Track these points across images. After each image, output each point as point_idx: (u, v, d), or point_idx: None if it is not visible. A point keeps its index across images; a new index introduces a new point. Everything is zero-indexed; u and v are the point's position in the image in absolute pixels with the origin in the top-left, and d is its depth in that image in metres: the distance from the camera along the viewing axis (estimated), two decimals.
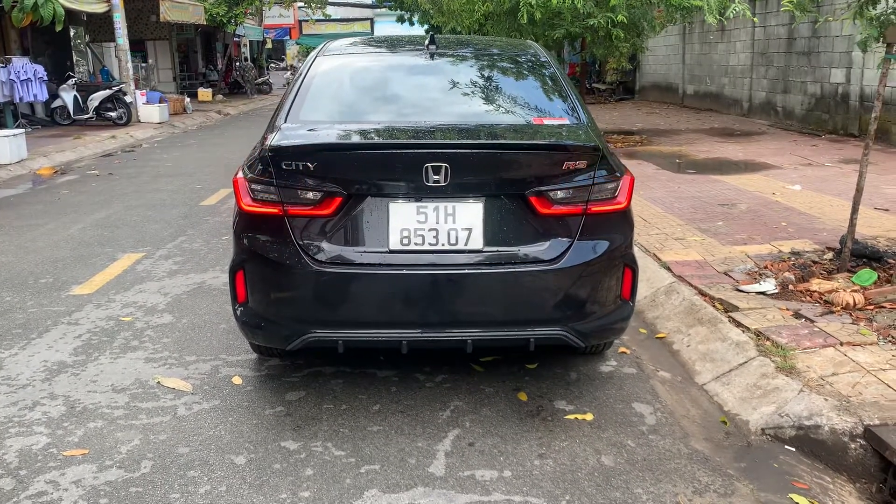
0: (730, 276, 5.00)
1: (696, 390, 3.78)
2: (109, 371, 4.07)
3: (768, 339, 3.94)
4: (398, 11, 26.04)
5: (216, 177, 10.46)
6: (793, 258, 5.27)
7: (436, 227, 3.27)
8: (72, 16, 16.10)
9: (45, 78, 16.05)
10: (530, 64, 4.23)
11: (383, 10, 34.74)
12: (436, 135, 3.45)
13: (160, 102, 19.09)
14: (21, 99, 15.49)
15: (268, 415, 3.54)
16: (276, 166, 3.28)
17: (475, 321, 3.36)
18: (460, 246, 3.28)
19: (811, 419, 3.24)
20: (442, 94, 3.92)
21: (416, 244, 3.28)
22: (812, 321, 4.16)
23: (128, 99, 18.06)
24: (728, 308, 4.42)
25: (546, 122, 3.66)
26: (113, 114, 17.67)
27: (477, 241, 3.28)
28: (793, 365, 3.63)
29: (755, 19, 13.28)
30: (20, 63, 15.49)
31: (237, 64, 33.30)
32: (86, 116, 17.45)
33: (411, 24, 25.25)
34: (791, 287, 4.71)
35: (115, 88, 17.93)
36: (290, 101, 3.77)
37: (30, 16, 11.83)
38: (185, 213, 8.25)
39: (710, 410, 3.56)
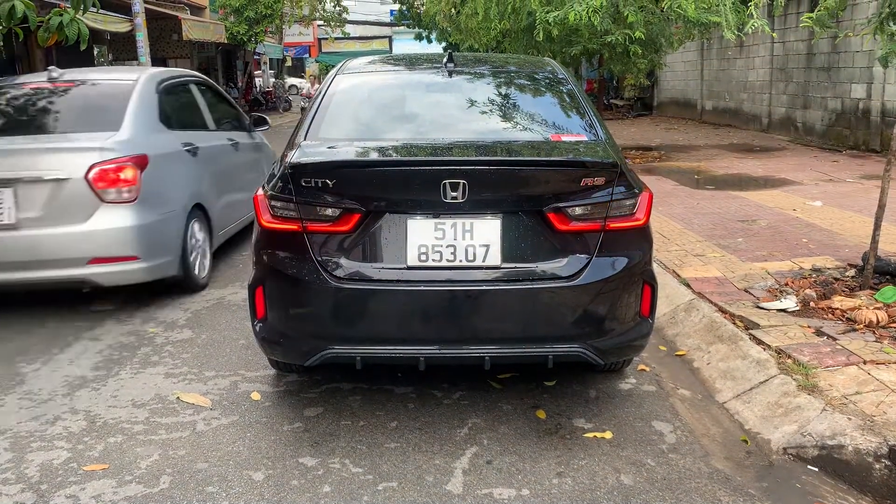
0: (750, 293, 4.95)
1: (717, 408, 3.74)
2: (130, 386, 4.10)
3: (790, 356, 3.90)
4: (416, 29, 26.25)
5: None
6: (814, 275, 5.21)
7: (453, 244, 3.28)
8: (96, 35, 16.37)
9: None
10: (548, 81, 4.24)
11: (401, 28, 35.07)
12: (453, 151, 3.46)
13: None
14: None
15: (286, 431, 3.55)
16: (296, 183, 3.30)
17: (493, 338, 3.35)
18: (478, 262, 3.28)
19: (834, 439, 3.19)
20: (459, 111, 3.94)
21: (433, 260, 3.28)
22: (834, 339, 4.11)
23: None
24: (748, 325, 4.38)
25: (564, 138, 3.66)
26: None
27: (495, 258, 3.28)
28: (815, 383, 3.59)
29: (774, 35, 13.24)
30: None
31: (260, 81, 33.69)
32: None
33: (429, 41, 25.41)
34: (812, 304, 4.66)
35: None
36: (310, 118, 3.80)
37: (55, 35, 11.98)
38: None
39: (731, 429, 3.52)
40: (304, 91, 35.27)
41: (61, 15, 12.03)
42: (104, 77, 6.57)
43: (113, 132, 5.31)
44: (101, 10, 14.45)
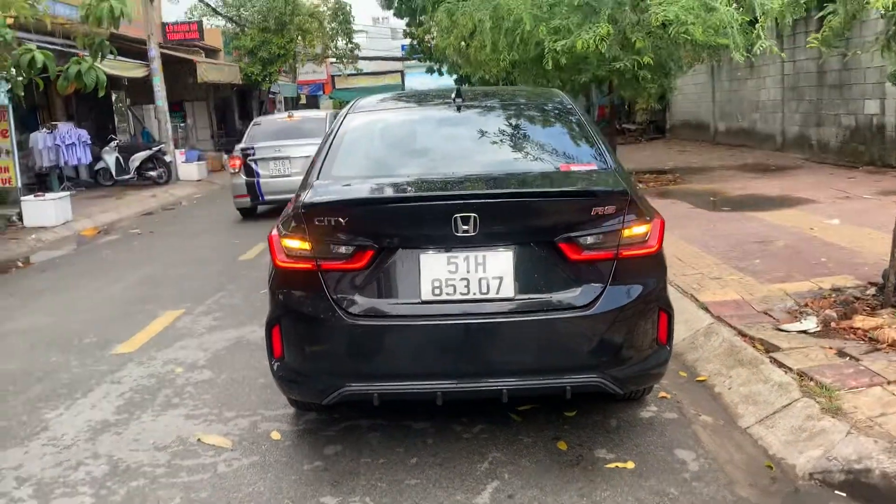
0: (770, 315, 4.91)
1: (740, 434, 3.69)
2: (151, 429, 4.12)
3: (812, 379, 3.85)
4: (427, 63, 26.55)
5: (254, 231, 10.65)
6: (834, 295, 5.16)
7: (467, 277, 3.29)
8: (113, 81, 16.72)
9: (89, 141, 16.60)
10: (556, 111, 4.28)
11: (413, 62, 35.49)
12: (463, 185, 3.49)
13: (199, 160, 19.61)
14: (66, 163, 16.02)
15: (306, 470, 3.54)
16: (309, 222, 3.34)
17: (510, 370, 3.35)
18: (492, 295, 3.29)
19: (861, 462, 3.14)
20: (469, 144, 3.98)
21: (447, 294, 3.29)
22: (857, 359, 4.05)
23: (167, 158, 18.59)
24: (769, 348, 4.34)
25: (573, 168, 3.69)
26: (153, 173, 18.17)
27: (508, 290, 3.29)
28: (839, 406, 3.54)
29: (783, 55, 13.25)
30: (65, 128, 16.07)
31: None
32: (127, 177, 17.97)
33: (440, 74, 25.68)
34: (833, 325, 4.61)
35: (156, 149, 18.48)
36: (322, 158, 3.86)
37: (74, 84, 12.28)
38: (223, 269, 8.40)
39: (755, 455, 3.47)
40: None
41: (79, 63, 12.35)
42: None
43: None
44: (117, 57, 14.81)
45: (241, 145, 12.31)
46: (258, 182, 11.82)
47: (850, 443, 3.25)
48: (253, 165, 11.81)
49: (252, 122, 13.94)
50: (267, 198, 11.72)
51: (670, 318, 3.51)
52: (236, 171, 12.02)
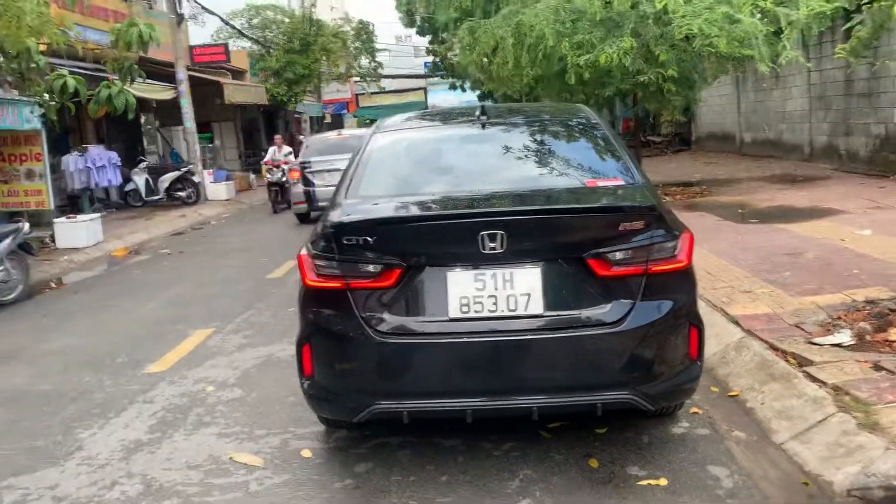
0: (802, 329, 4.84)
1: (774, 450, 3.64)
2: (183, 448, 4.16)
3: (847, 393, 3.79)
4: (450, 79, 26.70)
5: (281, 250, 10.74)
6: (868, 307, 5.08)
7: (494, 294, 3.29)
8: (142, 104, 17.03)
9: (119, 163, 16.90)
10: (581, 127, 4.28)
11: (436, 79, 35.70)
12: (490, 202, 3.51)
13: (226, 180, 19.86)
14: (97, 185, 16.31)
15: (337, 488, 3.55)
16: (338, 242, 3.37)
17: (540, 387, 3.34)
18: (520, 311, 3.29)
19: None
20: (495, 161, 3.99)
21: (475, 311, 3.30)
22: (893, 373, 3.98)
23: (196, 179, 18.85)
24: (802, 362, 4.28)
25: (600, 184, 3.68)
26: (182, 193, 18.43)
27: (537, 306, 3.28)
28: (876, 421, 3.47)
29: (809, 65, 13.14)
30: (96, 151, 16.38)
31: (299, 139, 34.42)
32: (157, 197, 18.24)
33: (463, 90, 25.81)
34: (868, 338, 4.53)
35: (184, 169, 18.76)
36: (350, 177, 3.89)
37: (104, 107, 12.55)
38: (252, 287, 8.48)
39: (790, 471, 3.42)
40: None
41: (110, 87, 12.59)
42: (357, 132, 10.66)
43: None
44: (146, 80, 15.11)
45: (300, 159, 14.44)
46: (314, 191, 13.53)
47: (889, 458, 3.18)
48: (309, 177, 13.66)
49: (305, 142, 16.99)
50: (320, 203, 12.99)
51: (701, 333, 3.48)
52: (296, 181, 14.02)
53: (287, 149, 17.59)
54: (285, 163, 16.28)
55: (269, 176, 16.90)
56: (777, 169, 15.19)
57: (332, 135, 16.09)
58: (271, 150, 17.60)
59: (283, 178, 16.04)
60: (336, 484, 3.59)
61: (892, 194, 10.50)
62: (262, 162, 19.36)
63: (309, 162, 13.88)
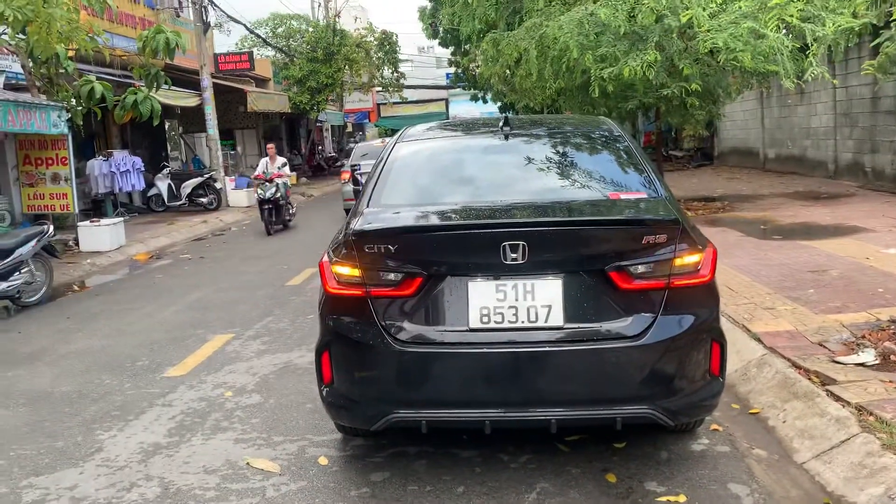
0: (825, 347, 4.78)
1: (795, 469, 3.59)
2: (201, 452, 4.18)
3: (871, 413, 3.73)
4: (472, 91, 26.77)
5: (301, 257, 10.80)
6: (893, 326, 5.01)
7: (515, 305, 3.28)
8: (167, 110, 17.24)
9: (143, 168, 17.09)
10: (604, 139, 4.27)
11: (457, 90, 35.80)
12: (512, 213, 3.50)
13: (248, 187, 19.98)
14: (121, 189, 16.50)
15: (353, 496, 3.55)
16: (360, 250, 3.38)
17: (558, 400, 3.31)
18: (540, 323, 3.28)
19: None
20: (517, 172, 3.99)
21: (495, 322, 3.29)
22: None
23: (218, 185, 19.01)
24: (825, 381, 4.22)
25: (623, 196, 3.66)
26: (204, 199, 18.59)
27: (557, 318, 3.27)
28: None
29: (835, 81, 13.04)
30: (120, 156, 16.59)
31: (320, 148, 34.69)
32: (179, 203, 18.41)
33: (484, 101, 25.86)
34: (893, 357, 4.47)
35: (206, 175, 18.94)
36: (372, 186, 3.90)
37: (130, 113, 12.72)
38: (272, 294, 8.52)
39: (812, 491, 3.37)
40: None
41: (136, 94, 12.75)
42: None
43: None
44: (171, 87, 15.29)
45: (350, 162, 16.13)
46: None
47: None
48: (358, 177, 14.93)
49: (354, 147, 19.28)
50: None
51: (723, 349, 3.44)
52: (346, 181, 15.70)
53: (281, 160, 15.40)
54: (279, 176, 14.60)
55: (259, 193, 14.39)
56: (801, 186, 15.05)
57: (376, 142, 18.00)
58: (263, 161, 15.35)
59: (278, 195, 14.26)
60: (352, 492, 3.59)
61: None
62: (252, 177, 17.14)
63: (358, 164, 15.35)
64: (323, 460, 3.95)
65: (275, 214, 14.43)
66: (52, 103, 11.68)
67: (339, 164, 33.25)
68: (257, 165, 15.68)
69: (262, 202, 14.34)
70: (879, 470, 3.28)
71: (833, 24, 7.57)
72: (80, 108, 12.13)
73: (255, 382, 5.35)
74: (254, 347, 6.29)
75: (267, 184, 14.29)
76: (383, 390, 3.43)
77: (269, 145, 16.17)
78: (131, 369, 5.87)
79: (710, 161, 23.05)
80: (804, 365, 4.48)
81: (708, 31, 9.41)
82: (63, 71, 11.95)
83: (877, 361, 4.44)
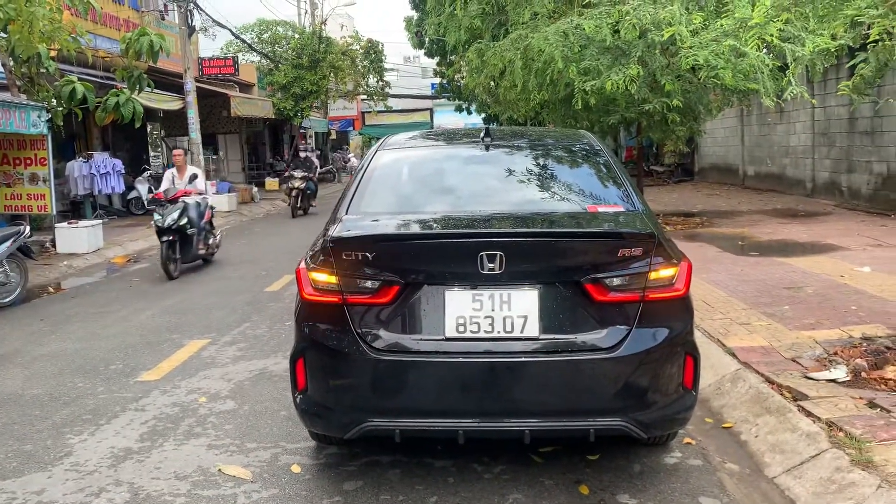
0: (798, 363, 4.83)
1: (766, 484, 3.61)
2: (173, 458, 4.14)
3: (841, 429, 3.77)
4: (456, 101, 26.87)
5: (280, 263, 10.75)
6: (865, 344, 5.07)
7: (491, 315, 3.29)
8: (149, 113, 17.12)
9: (123, 171, 16.95)
10: (584, 153, 4.30)
11: (442, 100, 35.91)
12: (490, 224, 3.51)
13: (229, 192, 19.90)
14: (100, 191, 16.35)
15: None
16: (337, 257, 3.38)
17: (533, 411, 3.32)
18: (516, 333, 3.28)
19: None
20: (497, 183, 4.01)
21: (471, 332, 3.29)
22: (888, 411, 3.97)
23: None
24: (797, 396, 4.26)
25: (601, 209, 3.69)
26: None
27: (533, 329, 3.28)
28: (869, 458, 3.45)
29: (814, 101, 13.20)
30: (101, 158, 16.45)
31: (304, 154, 34.55)
32: None
33: (469, 112, 25.98)
34: (864, 374, 4.52)
35: None
36: (352, 193, 3.90)
37: (111, 115, 12.62)
38: (250, 300, 8.47)
39: None
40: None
41: (118, 95, 12.65)
42: None
43: None
44: (154, 90, 15.20)
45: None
46: None
47: (881, 497, 3.16)
48: None
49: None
50: None
51: (697, 363, 3.47)
52: None
53: (193, 171, 10.90)
54: (188, 194, 10.42)
55: (157, 219, 10.03)
56: (779, 203, 15.23)
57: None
58: (168, 174, 11.06)
59: (184, 221, 10.00)
60: (324, 501, 3.57)
61: (893, 233, 10.52)
62: (151, 196, 11.28)
63: None
64: (296, 468, 3.93)
65: (179, 249, 10.21)
66: (33, 103, 11.57)
67: (322, 170, 33.20)
68: (162, 179, 11.58)
69: (159, 232, 9.99)
70: (847, 486, 3.31)
71: (812, 45, 7.67)
72: (60, 108, 12.02)
73: (229, 388, 5.30)
74: (230, 353, 6.24)
75: (168, 205, 10.16)
76: (358, 398, 3.42)
77: (177, 151, 11.76)
78: (105, 373, 5.81)
79: (690, 177, 23.27)
80: (777, 380, 4.52)
81: (690, 47, 9.51)
82: (44, 71, 11.84)
83: (848, 378, 4.49)
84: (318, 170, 23.54)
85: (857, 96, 5.05)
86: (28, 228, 9.29)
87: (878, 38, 4.65)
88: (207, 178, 20.14)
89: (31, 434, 4.57)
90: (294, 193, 17.58)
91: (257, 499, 3.61)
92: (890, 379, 4.39)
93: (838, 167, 14.78)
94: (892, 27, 4.24)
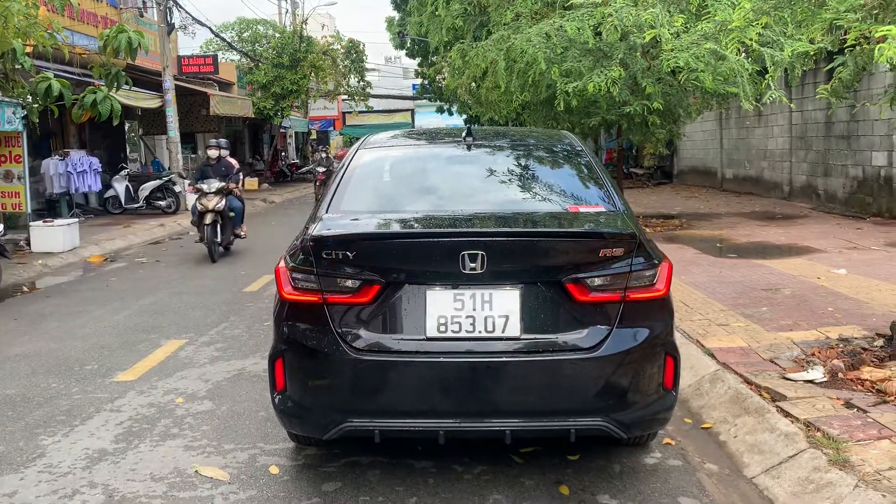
0: (776, 364, 4.87)
1: (745, 484, 3.63)
2: (149, 459, 4.08)
3: (819, 430, 3.80)
4: (438, 102, 26.87)
5: (259, 263, 10.66)
6: (841, 345, 5.12)
7: (473, 315, 3.28)
8: (127, 111, 16.92)
9: (100, 169, 16.73)
10: (565, 153, 4.30)
11: (423, 101, 35.92)
12: (472, 223, 3.50)
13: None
14: (77, 190, 16.14)
15: None
16: (317, 255, 3.34)
17: (513, 411, 3.31)
18: (497, 333, 3.27)
19: None
20: (478, 183, 4.00)
21: (453, 331, 3.28)
22: (865, 411, 4.00)
23: (177, 189, 18.69)
24: (775, 397, 4.29)
25: (582, 209, 3.69)
26: (162, 203, 18.27)
27: (514, 329, 3.27)
28: (846, 458, 3.48)
29: (792, 105, 13.35)
30: (77, 156, 16.22)
31: (283, 154, 34.40)
32: (136, 206, 18.06)
33: (450, 114, 25.99)
34: (841, 375, 4.56)
35: (165, 179, 18.62)
36: (332, 192, 3.87)
37: (88, 112, 12.44)
38: (228, 300, 8.39)
39: None
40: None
41: (95, 93, 12.49)
42: None
43: None
44: (132, 88, 15.01)
45: None
46: None
47: (857, 496, 3.19)
48: None
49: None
50: None
51: (677, 363, 3.48)
52: None
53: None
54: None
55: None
56: (757, 206, 15.38)
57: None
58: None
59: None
60: (303, 502, 3.53)
61: (868, 236, 10.66)
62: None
63: None
64: (274, 469, 3.89)
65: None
66: (7, 99, 11.38)
67: (302, 170, 33.02)
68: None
69: (201, 216, 10.62)
70: (825, 485, 3.34)
71: (790, 49, 7.75)
72: (36, 105, 11.83)
73: (207, 389, 5.24)
74: (207, 353, 6.17)
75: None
76: (337, 398, 3.39)
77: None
78: (79, 373, 5.72)
79: (669, 179, 23.45)
80: (755, 381, 4.55)
81: (671, 50, 9.57)
82: (20, 67, 11.64)
83: (825, 379, 4.53)
84: (242, 177, 14.05)
85: (836, 99, 5.11)
86: (2, 227, 9.14)
87: (855, 42, 4.70)
88: (186, 177, 20.02)
89: (3, 435, 4.49)
90: (208, 220, 10.85)
91: (235, 500, 3.57)
92: (866, 379, 4.43)
93: (815, 171, 14.95)
94: (870, 31, 4.29)
